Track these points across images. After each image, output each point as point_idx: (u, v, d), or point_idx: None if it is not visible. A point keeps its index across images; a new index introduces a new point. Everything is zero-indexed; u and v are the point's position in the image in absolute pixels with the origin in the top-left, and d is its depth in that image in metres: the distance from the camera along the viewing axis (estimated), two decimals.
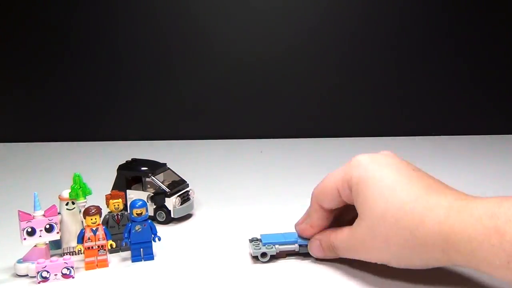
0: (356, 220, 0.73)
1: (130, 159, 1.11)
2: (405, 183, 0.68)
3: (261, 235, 0.89)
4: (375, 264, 0.74)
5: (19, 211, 0.80)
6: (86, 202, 0.87)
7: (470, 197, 0.64)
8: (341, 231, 0.77)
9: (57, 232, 0.83)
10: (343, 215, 0.83)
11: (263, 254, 0.85)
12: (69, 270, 0.81)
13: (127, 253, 0.88)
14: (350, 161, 0.75)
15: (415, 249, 0.65)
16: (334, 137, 1.81)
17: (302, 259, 0.85)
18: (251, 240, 0.88)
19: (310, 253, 0.84)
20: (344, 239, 0.76)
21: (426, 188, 0.68)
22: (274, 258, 0.86)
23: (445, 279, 0.75)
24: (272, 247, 0.84)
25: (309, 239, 0.84)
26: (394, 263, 0.70)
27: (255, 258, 0.85)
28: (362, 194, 0.71)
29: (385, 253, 0.69)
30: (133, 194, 1.03)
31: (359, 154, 0.75)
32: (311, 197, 0.82)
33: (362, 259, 0.75)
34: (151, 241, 0.87)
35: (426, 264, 0.67)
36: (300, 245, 0.85)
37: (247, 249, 0.91)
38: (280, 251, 0.85)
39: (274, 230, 0.98)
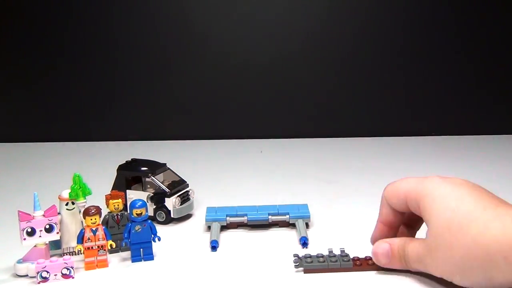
0: (426, 231, 0.73)
1: (130, 159, 1.11)
2: (474, 196, 0.68)
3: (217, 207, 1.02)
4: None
5: (19, 211, 0.80)
6: (86, 202, 0.87)
7: None
8: (415, 240, 0.77)
9: (57, 232, 0.83)
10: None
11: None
12: (69, 270, 0.81)
13: (127, 253, 0.88)
14: (427, 177, 0.76)
15: (478, 259, 0.63)
16: (334, 137, 1.81)
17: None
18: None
19: (372, 258, 0.82)
20: (415, 247, 0.75)
21: (496, 201, 0.67)
22: (225, 228, 0.99)
23: None
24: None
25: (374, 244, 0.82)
26: (458, 278, 0.68)
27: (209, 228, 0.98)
28: (431, 208, 0.71)
29: (449, 264, 0.68)
30: (133, 194, 1.03)
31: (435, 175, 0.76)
32: (382, 193, 0.81)
33: (428, 272, 0.74)
34: (151, 241, 0.87)
35: (490, 280, 0.64)
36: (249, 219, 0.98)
37: (246, 248, 0.91)
38: (230, 222, 0.99)
39: (274, 230, 1.00)
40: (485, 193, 0.70)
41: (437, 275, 0.72)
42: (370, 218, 1.08)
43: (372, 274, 0.81)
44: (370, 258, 0.83)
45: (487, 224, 0.63)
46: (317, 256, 0.83)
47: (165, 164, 1.10)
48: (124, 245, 0.89)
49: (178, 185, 1.06)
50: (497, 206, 0.66)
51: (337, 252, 0.85)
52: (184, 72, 1.82)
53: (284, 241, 0.95)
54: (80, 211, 0.87)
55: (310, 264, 0.81)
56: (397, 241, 0.79)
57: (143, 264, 0.87)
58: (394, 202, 0.79)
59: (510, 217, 0.63)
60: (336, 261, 0.82)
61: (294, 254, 0.84)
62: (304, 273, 0.81)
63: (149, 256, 0.87)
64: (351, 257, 0.83)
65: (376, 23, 1.80)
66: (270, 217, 0.99)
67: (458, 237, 0.66)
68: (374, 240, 0.83)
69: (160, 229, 0.95)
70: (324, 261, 0.82)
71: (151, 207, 1.02)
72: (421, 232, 0.79)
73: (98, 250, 0.84)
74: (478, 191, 0.70)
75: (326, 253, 0.84)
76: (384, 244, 0.80)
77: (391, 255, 0.78)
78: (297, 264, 0.82)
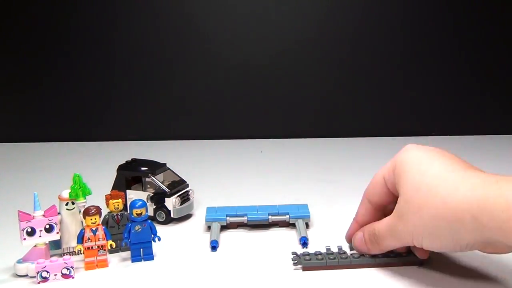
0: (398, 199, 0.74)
1: (130, 159, 1.11)
2: (444, 159, 0.70)
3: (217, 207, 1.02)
4: None
5: (19, 211, 0.80)
6: (86, 202, 0.87)
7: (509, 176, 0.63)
8: (384, 219, 0.77)
9: (57, 232, 0.83)
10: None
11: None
12: (69, 270, 0.81)
13: (127, 253, 0.88)
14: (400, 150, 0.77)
15: (447, 220, 0.63)
16: (334, 137, 1.81)
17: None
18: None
19: (354, 248, 0.85)
20: (384, 223, 0.76)
21: (465, 165, 0.68)
22: (225, 228, 0.99)
23: None
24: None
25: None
26: (427, 241, 0.68)
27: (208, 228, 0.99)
28: (403, 173, 0.72)
29: (419, 227, 0.67)
30: (133, 194, 1.03)
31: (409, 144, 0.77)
32: (364, 193, 0.84)
33: (399, 244, 0.75)
34: (151, 241, 0.87)
35: (458, 241, 0.64)
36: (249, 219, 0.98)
37: (246, 248, 0.92)
38: (230, 222, 1.00)
39: (273, 230, 1.00)
40: (455, 158, 0.71)
41: (408, 243, 0.72)
42: None
43: (370, 270, 0.81)
44: (370, 256, 0.83)
45: (456, 185, 0.64)
46: (315, 254, 0.83)
47: (165, 164, 1.10)
48: (124, 245, 0.89)
49: (178, 185, 1.06)
50: (467, 168, 0.67)
51: (334, 249, 0.85)
52: (184, 72, 1.82)
53: (284, 241, 0.95)
54: (80, 211, 0.87)
55: (308, 262, 0.81)
56: (366, 226, 0.82)
57: (143, 264, 0.87)
58: (375, 193, 0.80)
59: (479, 178, 0.63)
60: (334, 258, 0.82)
61: (292, 252, 0.84)
62: (303, 270, 0.82)
63: (149, 256, 0.88)
64: (349, 254, 0.83)
65: (375, 23, 1.80)
66: (270, 217, 0.99)
67: (428, 198, 0.66)
68: (348, 238, 0.87)
69: (160, 229, 0.95)
70: (322, 259, 0.82)
71: (151, 207, 1.02)
72: None
73: (98, 250, 0.84)
74: (448, 156, 0.71)
75: (324, 250, 0.85)
76: (359, 233, 0.83)
77: (365, 242, 0.81)
78: (295, 261, 0.82)
